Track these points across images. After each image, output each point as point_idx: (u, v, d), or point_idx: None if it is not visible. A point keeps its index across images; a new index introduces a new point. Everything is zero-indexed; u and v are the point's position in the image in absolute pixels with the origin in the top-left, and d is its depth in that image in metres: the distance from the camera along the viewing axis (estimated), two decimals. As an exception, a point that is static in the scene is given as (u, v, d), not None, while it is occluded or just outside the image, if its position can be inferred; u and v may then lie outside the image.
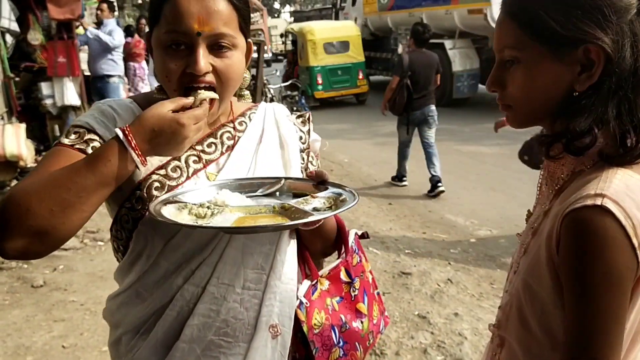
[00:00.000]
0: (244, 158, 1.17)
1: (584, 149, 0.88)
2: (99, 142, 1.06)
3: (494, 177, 6.45)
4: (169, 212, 0.98)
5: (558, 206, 0.88)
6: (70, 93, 6.01)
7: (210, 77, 1.03)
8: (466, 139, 8.63)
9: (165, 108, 0.96)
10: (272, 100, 8.67)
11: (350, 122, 10.63)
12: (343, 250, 1.30)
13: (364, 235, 1.44)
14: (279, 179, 1.14)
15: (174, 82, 1.03)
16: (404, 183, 6.53)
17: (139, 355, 1.11)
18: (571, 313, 0.83)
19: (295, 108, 8.04)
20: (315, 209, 1.03)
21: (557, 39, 0.86)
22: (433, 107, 6.15)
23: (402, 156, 6.51)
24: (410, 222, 5.30)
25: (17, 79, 6.05)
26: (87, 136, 1.07)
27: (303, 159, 1.26)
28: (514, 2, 0.91)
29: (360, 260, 1.35)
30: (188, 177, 1.12)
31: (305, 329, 1.18)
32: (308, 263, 1.26)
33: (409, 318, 3.37)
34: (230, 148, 1.18)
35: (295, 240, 1.20)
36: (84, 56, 6.26)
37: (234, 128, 1.20)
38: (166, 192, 1.08)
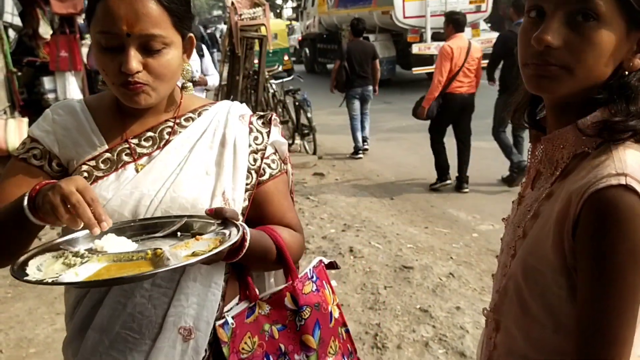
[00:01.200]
0: (176, 154, 1.17)
1: (628, 133, 0.85)
2: (39, 148, 1.16)
3: (495, 171, 6.43)
4: (44, 260, 0.97)
5: (568, 188, 0.85)
6: (72, 87, 6.01)
7: (142, 76, 1.07)
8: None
9: (72, 185, 0.93)
10: (273, 96, 8.63)
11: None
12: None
13: (332, 265, 1.37)
14: (181, 217, 1.08)
15: (111, 78, 1.08)
16: (359, 156, 7.72)
17: (67, 338, 1.18)
18: (588, 295, 0.81)
19: (297, 103, 8.00)
20: (194, 253, 0.95)
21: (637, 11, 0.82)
22: (370, 87, 7.78)
23: (354, 129, 7.86)
24: (412, 217, 5.30)
25: (19, 73, 6.05)
26: (29, 145, 1.19)
27: (255, 161, 1.22)
28: None
29: (318, 290, 1.27)
30: (116, 169, 1.14)
31: (225, 350, 1.13)
32: (247, 283, 1.21)
33: (410, 311, 3.37)
34: (167, 143, 1.18)
35: None
36: (85, 50, 6.25)
37: (177, 124, 1.21)
38: (93, 182, 1.11)
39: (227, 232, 1.02)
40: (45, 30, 6.04)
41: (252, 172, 1.20)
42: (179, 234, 1.06)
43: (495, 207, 5.24)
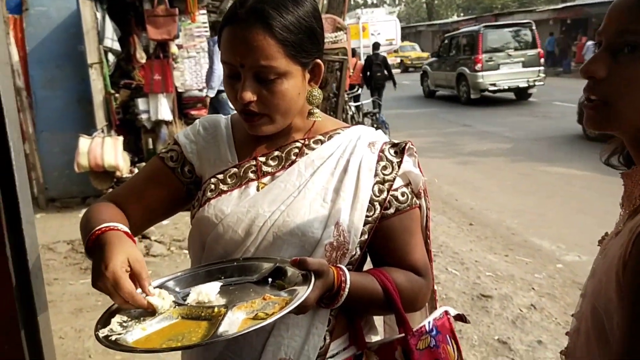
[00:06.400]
0: (299, 176, 1.14)
1: None
2: (177, 151, 1.24)
3: (583, 199, 6.14)
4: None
5: (631, 226, 0.80)
6: (163, 108, 6.38)
7: (257, 105, 1.08)
8: (553, 159, 8.29)
9: (116, 262, 0.96)
10: (352, 118, 8.73)
11: (432, 141, 10.51)
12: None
13: (461, 318, 1.24)
14: (273, 261, 1.06)
15: (233, 104, 1.12)
16: None
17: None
18: (623, 331, 0.73)
19: (375, 125, 8.05)
20: (255, 317, 0.94)
21: None
22: None
23: None
24: (492, 243, 5.14)
25: (117, 95, 6.50)
26: (171, 146, 1.25)
27: (380, 192, 1.13)
28: None
29: (438, 346, 1.15)
30: (239, 185, 1.15)
31: None
32: (355, 329, 1.16)
33: (488, 342, 3.26)
34: (292, 164, 1.16)
35: None
36: (177, 74, 6.63)
37: (306, 145, 1.18)
38: (217, 196, 1.15)
39: (305, 288, 0.97)
40: (140, 55, 6.47)
41: (376, 203, 1.12)
42: (269, 280, 1.05)
43: (582, 237, 4.99)
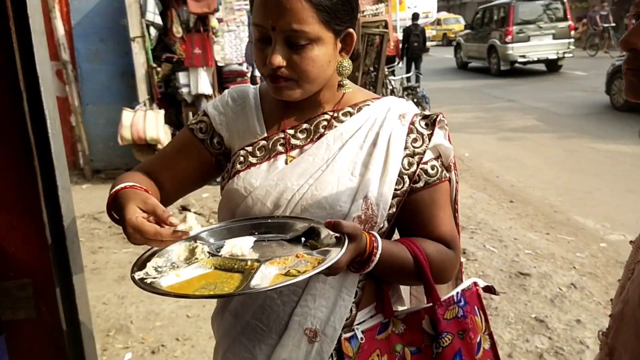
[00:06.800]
0: (327, 149, 1.13)
1: None
2: (206, 122, 1.23)
3: (632, 178, 5.91)
4: (182, 250, 1.04)
5: None
6: (203, 82, 6.42)
7: (286, 70, 1.06)
8: (603, 136, 7.99)
9: (132, 207, 0.98)
10: (392, 92, 8.61)
11: (474, 116, 10.29)
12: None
13: (490, 289, 1.23)
14: (309, 221, 1.06)
15: (260, 69, 1.10)
16: None
17: (213, 313, 1.26)
18: None
19: (415, 100, 7.91)
20: (287, 273, 0.93)
21: None
22: None
23: None
24: (532, 221, 5.02)
25: (159, 69, 6.58)
26: (200, 117, 1.25)
27: (410, 165, 1.12)
28: None
29: (466, 317, 1.15)
30: (268, 158, 1.15)
31: None
32: (383, 297, 1.16)
33: (524, 320, 3.21)
34: (320, 136, 1.15)
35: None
36: (217, 48, 6.65)
37: (335, 117, 1.16)
38: (246, 168, 1.14)
39: (338, 250, 0.96)
40: (177, 30, 6.50)
41: (405, 177, 1.11)
42: (302, 239, 1.05)
43: (629, 217, 4.81)
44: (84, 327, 1.34)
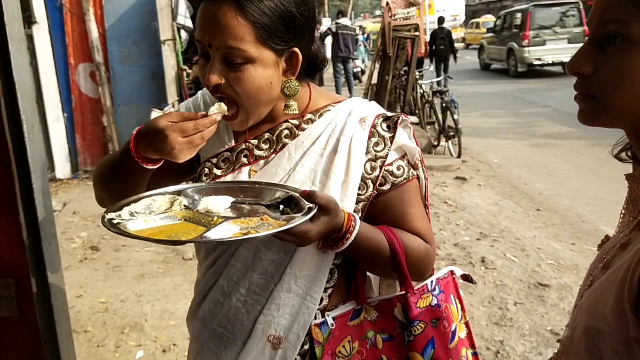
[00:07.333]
0: (289, 159, 1.12)
1: None
2: None
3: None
4: (159, 202, 1.05)
5: (638, 244, 0.70)
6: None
7: (225, 89, 1.04)
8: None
9: (163, 118, 0.99)
10: (422, 96, 8.52)
11: (506, 121, 10.10)
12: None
13: (467, 278, 1.23)
14: (288, 190, 1.06)
15: (204, 84, 1.08)
16: None
17: (187, 317, 1.28)
18: None
19: (444, 104, 7.79)
20: (247, 233, 0.94)
21: None
22: None
23: None
24: (558, 231, 4.90)
25: (189, 71, 6.71)
26: None
27: (373, 169, 1.10)
28: None
29: (439, 305, 1.14)
30: (233, 170, 1.15)
31: (318, 351, 1.09)
32: (357, 284, 1.15)
33: (539, 332, 3.14)
34: (283, 147, 1.13)
35: (332, 258, 1.11)
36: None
37: (296, 126, 1.14)
38: (211, 181, 1.15)
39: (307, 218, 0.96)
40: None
41: (369, 181, 1.10)
42: (281, 207, 1.03)
43: (660, 229, 4.64)
44: (60, 326, 1.38)
